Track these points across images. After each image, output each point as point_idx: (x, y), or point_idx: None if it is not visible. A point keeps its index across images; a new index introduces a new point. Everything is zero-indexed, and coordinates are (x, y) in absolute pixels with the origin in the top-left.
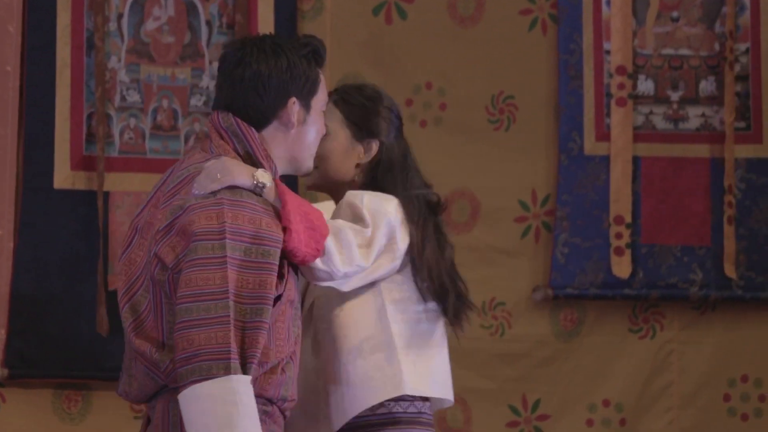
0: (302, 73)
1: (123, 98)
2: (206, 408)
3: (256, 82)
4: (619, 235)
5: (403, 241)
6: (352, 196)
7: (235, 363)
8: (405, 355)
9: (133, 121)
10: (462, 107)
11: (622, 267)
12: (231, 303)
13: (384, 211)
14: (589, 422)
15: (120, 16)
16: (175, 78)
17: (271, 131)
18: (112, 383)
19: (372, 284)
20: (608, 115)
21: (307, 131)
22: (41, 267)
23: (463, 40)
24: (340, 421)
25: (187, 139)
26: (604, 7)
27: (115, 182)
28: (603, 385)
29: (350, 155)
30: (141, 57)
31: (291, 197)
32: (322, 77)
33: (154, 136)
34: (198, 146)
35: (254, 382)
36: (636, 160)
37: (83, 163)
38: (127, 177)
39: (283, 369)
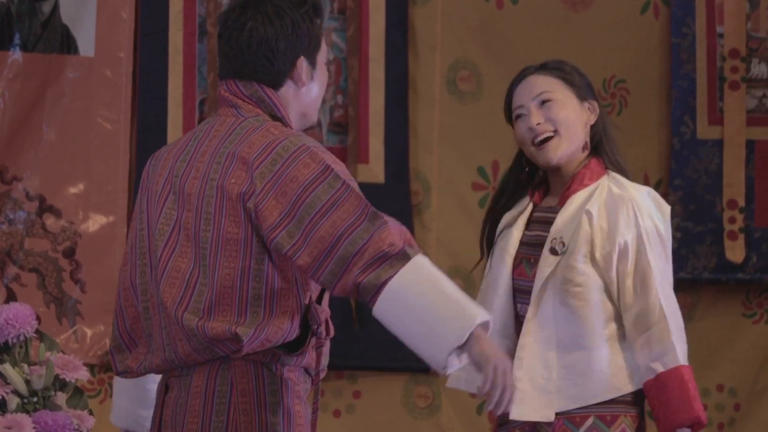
0: (306, 31)
1: None
2: (414, 291)
3: (264, 48)
4: (732, 220)
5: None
6: (656, 220)
7: (408, 249)
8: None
9: None
10: None
11: (735, 251)
12: (374, 209)
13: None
14: (703, 407)
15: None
16: None
17: (284, 92)
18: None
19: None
20: (721, 98)
21: (314, 87)
22: None
23: (574, 24)
24: (578, 403)
25: None
26: None
27: None
28: (716, 370)
29: (581, 118)
30: None
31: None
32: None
33: None
34: (220, 114)
35: (307, 352)
36: (749, 144)
37: None
38: None
39: (326, 336)
